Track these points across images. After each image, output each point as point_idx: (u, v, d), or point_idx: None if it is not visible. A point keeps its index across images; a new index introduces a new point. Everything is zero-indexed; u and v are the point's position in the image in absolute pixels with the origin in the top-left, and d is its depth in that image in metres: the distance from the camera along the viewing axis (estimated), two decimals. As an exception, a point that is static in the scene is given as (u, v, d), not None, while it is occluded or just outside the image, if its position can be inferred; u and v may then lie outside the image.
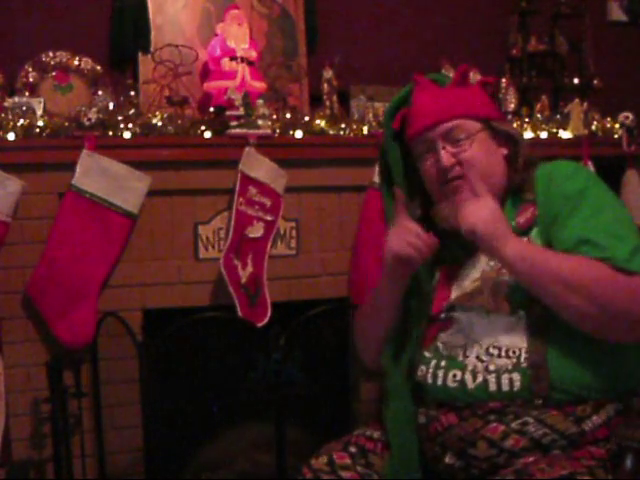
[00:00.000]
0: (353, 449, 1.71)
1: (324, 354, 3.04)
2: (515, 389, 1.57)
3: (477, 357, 1.61)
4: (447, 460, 1.62)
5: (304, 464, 1.72)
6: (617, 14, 3.86)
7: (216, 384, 2.93)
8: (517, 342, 1.59)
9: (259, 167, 2.87)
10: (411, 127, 1.75)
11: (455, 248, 1.76)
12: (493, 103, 1.81)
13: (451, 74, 3.24)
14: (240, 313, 2.81)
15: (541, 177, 1.70)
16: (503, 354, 1.59)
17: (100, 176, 2.71)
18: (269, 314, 2.86)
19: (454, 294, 1.72)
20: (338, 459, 1.68)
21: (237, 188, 2.85)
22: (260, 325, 2.81)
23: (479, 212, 1.60)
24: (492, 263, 1.68)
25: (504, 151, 1.75)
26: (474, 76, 3.30)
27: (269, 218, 2.92)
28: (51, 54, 2.91)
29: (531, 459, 1.54)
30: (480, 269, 1.70)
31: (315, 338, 2.97)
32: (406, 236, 1.69)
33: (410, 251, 1.69)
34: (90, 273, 2.73)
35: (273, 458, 2.70)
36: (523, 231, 1.67)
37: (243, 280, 2.84)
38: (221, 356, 2.92)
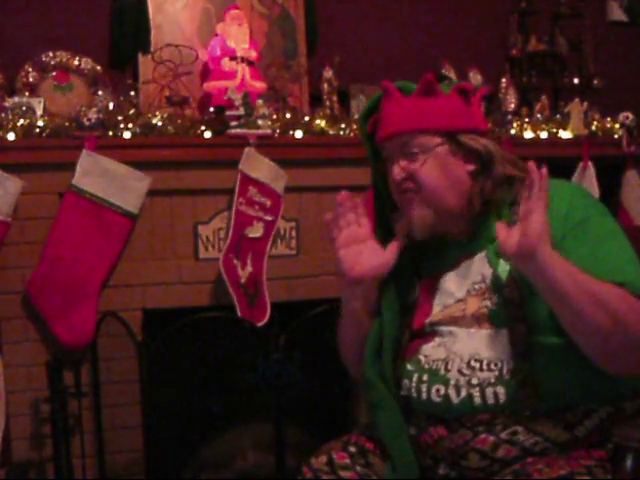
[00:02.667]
0: (353, 449, 1.70)
1: (324, 354, 3.03)
2: (501, 402, 1.55)
3: (459, 371, 1.59)
4: (441, 471, 1.61)
5: (304, 463, 1.71)
6: (617, 14, 3.86)
7: (216, 384, 2.93)
8: (498, 354, 1.57)
9: (259, 167, 2.87)
10: (378, 134, 1.73)
11: (433, 259, 1.75)
12: (469, 112, 1.70)
13: (452, 74, 3.26)
14: (239, 313, 2.81)
15: None
16: (485, 367, 1.57)
17: (100, 176, 2.71)
18: (268, 314, 2.86)
19: (436, 309, 1.70)
20: (338, 459, 1.67)
21: (237, 188, 2.85)
22: (260, 325, 2.81)
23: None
24: (477, 286, 1.65)
25: (470, 167, 1.67)
26: (474, 76, 3.31)
27: (269, 218, 2.92)
28: (51, 54, 2.91)
29: (529, 460, 1.53)
30: (464, 289, 1.67)
31: (315, 338, 2.97)
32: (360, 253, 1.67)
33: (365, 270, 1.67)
34: (90, 273, 2.74)
35: (273, 458, 2.70)
36: None
37: (242, 280, 2.84)
38: (221, 356, 2.92)
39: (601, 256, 1.55)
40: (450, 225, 1.69)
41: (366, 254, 1.68)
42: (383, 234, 1.76)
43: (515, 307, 1.58)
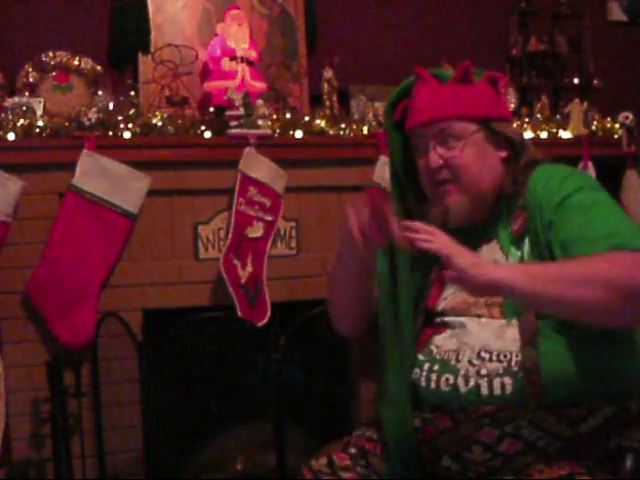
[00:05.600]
0: (353, 450, 1.70)
1: (324, 354, 3.04)
2: (507, 393, 1.56)
3: (469, 361, 1.60)
4: (443, 463, 1.61)
5: (304, 465, 1.72)
6: (617, 14, 3.86)
7: (216, 384, 2.93)
8: (508, 346, 1.58)
9: (259, 167, 2.87)
10: (409, 121, 1.73)
11: None
12: (500, 101, 1.75)
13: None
14: (240, 313, 2.81)
15: (534, 182, 1.67)
16: (494, 358, 1.58)
17: (100, 176, 2.71)
18: (269, 314, 2.86)
19: (449, 292, 1.71)
20: (338, 460, 1.68)
21: (237, 188, 2.85)
22: (260, 325, 2.81)
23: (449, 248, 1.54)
24: None
25: (502, 154, 1.71)
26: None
27: (269, 218, 2.92)
28: (51, 54, 2.91)
29: (530, 459, 1.53)
30: None
31: (315, 338, 2.97)
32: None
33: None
34: (90, 273, 2.74)
35: (273, 458, 2.70)
36: (518, 238, 1.65)
37: (242, 280, 2.84)
38: (221, 356, 2.92)
39: (591, 222, 1.56)
40: (480, 211, 1.69)
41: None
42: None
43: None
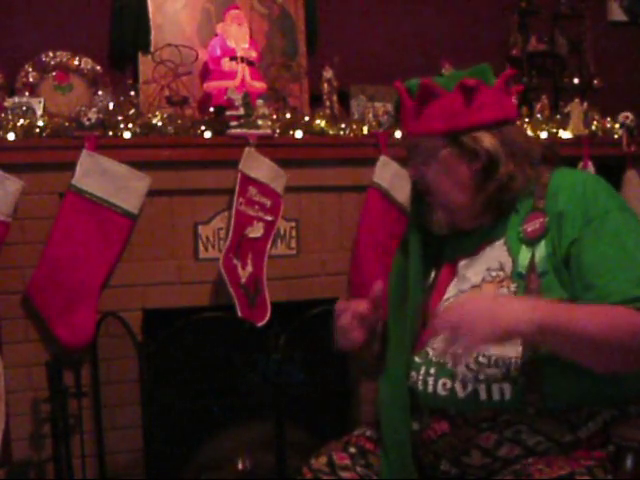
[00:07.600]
0: (353, 450, 1.69)
1: (324, 354, 3.03)
2: (506, 398, 1.55)
3: (466, 366, 1.58)
4: (442, 467, 1.60)
5: (304, 464, 1.71)
6: (617, 14, 3.86)
7: (216, 384, 2.93)
8: (508, 352, 1.56)
9: (259, 167, 2.87)
10: None
11: (453, 244, 1.74)
12: (472, 110, 1.64)
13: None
14: (240, 313, 2.81)
15: (555, 187, 1.63)
16: (492, 363, 1.56)
17: (100, 176, 2.71)
18: (269, 314, 2.86)
19: (451, 293, 1.69)
20: (338, 459, 1.67)
21: (237, 188, 2.85)
22: (260, 325, 2.81)
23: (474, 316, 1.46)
24: (494, 273, 1.63)
25: (476, 166, 1.64)
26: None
27: (269, 218, 2.92)
28: (51, 54, 2.92)
29: (529, 460, 1.53)
30: (480, 275, 1.65)
31: (315, 338, 2.97)
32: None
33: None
34: (90, 273, 2.74)
35: (273, 458, 2.70)
36: (531, 241, 1.61)
37: (243, 280, 2.84)
38: (221, 356, 2.92)
39: (617, 258, 1.54)
40: (471, 218, 1.68)
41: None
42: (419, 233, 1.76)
43: (534, 297, 1.56)
